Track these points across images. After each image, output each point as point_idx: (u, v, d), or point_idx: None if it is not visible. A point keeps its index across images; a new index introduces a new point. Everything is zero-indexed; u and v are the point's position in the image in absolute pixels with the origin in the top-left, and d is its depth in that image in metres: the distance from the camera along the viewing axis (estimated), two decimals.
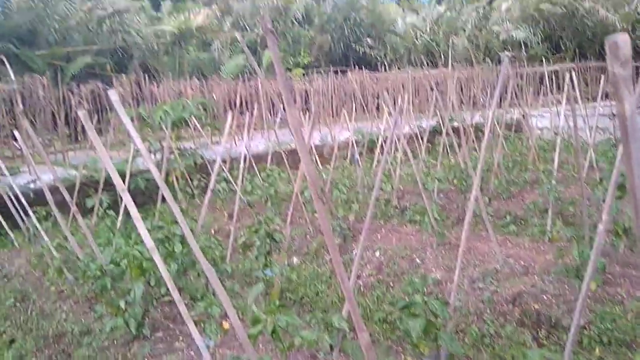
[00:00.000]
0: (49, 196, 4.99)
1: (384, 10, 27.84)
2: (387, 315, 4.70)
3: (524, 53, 23.06)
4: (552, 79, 16.97)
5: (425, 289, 3.95)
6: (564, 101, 6.76)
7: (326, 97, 17.62)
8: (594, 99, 14.26)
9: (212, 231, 7.35)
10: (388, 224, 6.72)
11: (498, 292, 4.52)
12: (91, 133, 2.67)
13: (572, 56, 23.76)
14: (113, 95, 2.55)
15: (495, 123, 8.76)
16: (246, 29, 24.12)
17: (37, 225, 5.69)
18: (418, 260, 5.37)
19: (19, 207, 6.65)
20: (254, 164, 8.74)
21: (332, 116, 17.23)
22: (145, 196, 8.42)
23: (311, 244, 6.40)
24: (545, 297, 4.35)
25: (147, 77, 16.61)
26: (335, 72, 19.39)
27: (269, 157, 9.35)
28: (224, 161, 8.15)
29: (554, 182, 6.17)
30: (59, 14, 18.28)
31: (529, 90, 14.97)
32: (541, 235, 5.92)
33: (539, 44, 23.97)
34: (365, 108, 16.67)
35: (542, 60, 19.09)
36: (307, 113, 14.03)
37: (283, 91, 1.82)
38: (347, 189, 7.10)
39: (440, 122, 10.06)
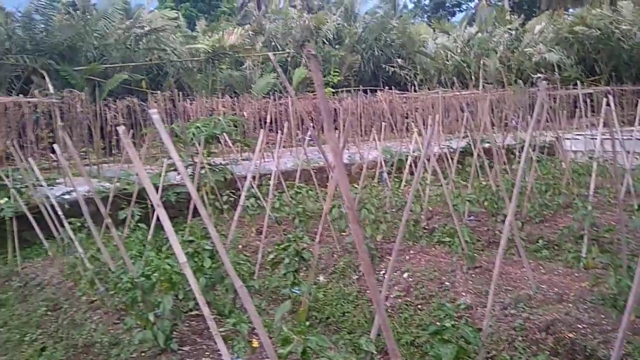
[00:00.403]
0: (84, 207, 5.09)
1: (414, 31, 27.92)
2: (415, 338, 4.62)
3: (557, 75, 22.73)
4: (586, 102, 16.66)
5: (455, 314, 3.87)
6: (600, 125, 6.62)
7: (355, 116, 17.67)
8: (630, 123, 13.90)
9: (240, 247, 7.39)
10: (416, 245, 6.63)
11: (530, 319, 4.38)
12: (129, 149, 2.73)
13: (607, 79, 23.32)
14: (154, 114, 2.62)
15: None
16: (278, 48, 24.50)
17: (72, 235, 5.81)
18: (447, 283, 5.27)
19: (54, 218, 6.82)
20: (282, 181, 8.79)
21: (361, 135, 17.25)
22: (175, 210, 8.54)
23: (338, 263, 6.36)
24: (580, 326, 4.20)
25: (180, 94, 17.01)
26: (365, 92, 19.46)
27: (298, 175, 9.38)
28: (253, 177, 8.22)
29: (589, 207, 6.01)
30: (99, 32, 18.94)
31: (563, 113, 14.70)
32: (575, 262, 5.74)
33: (572, 66, 23.62)
34: (394, 127, 16.64)
35: (575, 83, 18.79)
36: (336, 131, 14.06)
37: (324, 115, 1.84)
38: (375, 208, 7.05)
39: (471, 143, 9.94)
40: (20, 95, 14.02)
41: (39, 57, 16.66)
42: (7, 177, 7.79)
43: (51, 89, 14.57)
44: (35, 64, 16.44)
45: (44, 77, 16.19)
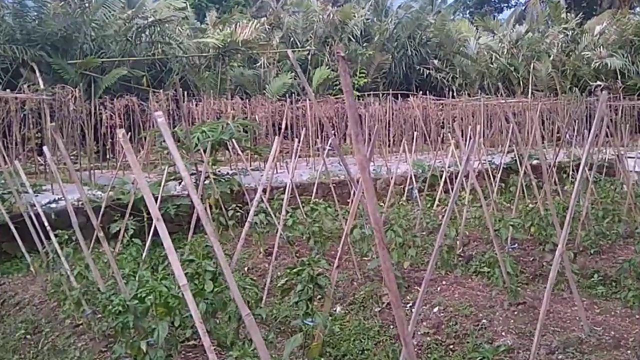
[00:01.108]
0: (74, 219, 5.17)
1: (454, 29, 27.97)
2: None
3: (620, 84, 22.48)
4: None
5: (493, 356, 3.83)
6: None
7: (383, 124, 17.71)
8: None
9: (246, 269, 7.42)
10: (450, 275, 6.58)
11: None
12: (130, 156, 2.78)
13: None
14: (159, 117, 2.66)
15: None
16: (297, 44, 24.74)
17: (58, 249, 5.89)
18: (485, 321, 5.22)
19: (39, 228, 6.93)
20: (297, 196, 8.83)
21: (389, 146, 17.25)
22: (173, 224, 8.63)
23: (358, 292, 6.34)
24: None
25: (185, 94, 17.25)
26: (395, 96, 19.50)
27: (315, 189, 9.41)
28: (264, 190, 8.27)
29: None
30: (97, 22, 19.36)
31: (626, 127, 14.52)
32: (636, 302, 5.64)
33: (638, 73, 23.35)
34: (427, 138, 16.62)
35: None
36: None
37: (352, 124, 1.86)
38: (404, 230, 7.03)
39: (517, 159, 9.87)
40: (7, 90, 14.36)
41: (30, 48, 17.07)
42: None
43: (41, 84, 14.90)
44: (25, 56, 16.84)
45: (34, 71, 16.57)
